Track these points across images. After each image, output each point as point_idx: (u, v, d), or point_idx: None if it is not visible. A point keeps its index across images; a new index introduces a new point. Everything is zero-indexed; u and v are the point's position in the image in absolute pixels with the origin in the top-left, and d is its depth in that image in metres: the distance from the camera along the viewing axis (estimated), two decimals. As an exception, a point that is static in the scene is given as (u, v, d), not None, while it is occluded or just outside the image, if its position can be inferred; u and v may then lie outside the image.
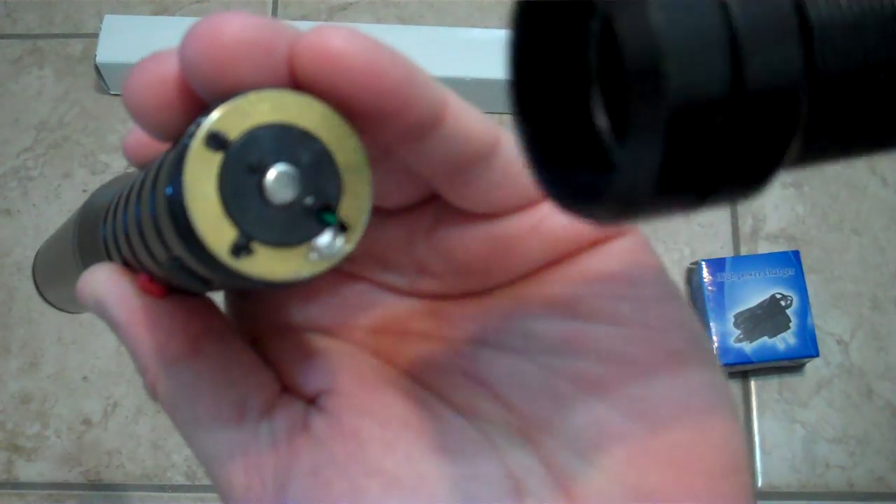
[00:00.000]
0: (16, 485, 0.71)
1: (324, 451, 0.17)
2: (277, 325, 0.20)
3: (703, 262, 0.69)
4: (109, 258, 0.20)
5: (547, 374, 0.17)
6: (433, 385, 0.19)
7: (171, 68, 0.14)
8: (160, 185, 0.14)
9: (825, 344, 0.70)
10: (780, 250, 0.71)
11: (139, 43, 0.78)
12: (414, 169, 0.16)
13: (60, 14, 0.86)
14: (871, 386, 0.71)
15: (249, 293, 0.20)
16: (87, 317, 0.75)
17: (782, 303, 0.68)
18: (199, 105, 0.14)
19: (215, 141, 0.13)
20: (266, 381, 0.18)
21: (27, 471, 0.71)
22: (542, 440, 0.17)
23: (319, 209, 0.14)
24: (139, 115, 0.15)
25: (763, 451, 0.69)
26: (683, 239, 0.75)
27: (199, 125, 0.13)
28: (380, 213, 0.18)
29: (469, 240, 0.18)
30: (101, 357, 0.74)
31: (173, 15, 0.84)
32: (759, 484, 0.68)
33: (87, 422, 0.72)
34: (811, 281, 0.70)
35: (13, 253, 0.77)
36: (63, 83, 0.83)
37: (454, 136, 0.15)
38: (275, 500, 0.17)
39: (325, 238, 0.14)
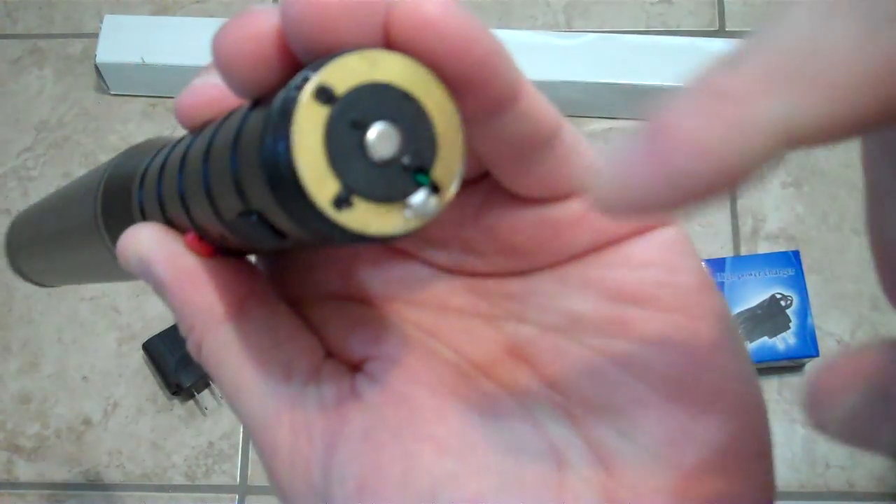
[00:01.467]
0: (16, 485, 0.71)
1: (375, 415, 0.17)
2: (316, 294, 0.20)
3: (703, 262, 0.69)
4: (145, 221, 0.20)
5: (589, 353, 0.18)
6: (474, 359, 0.19)
7: (268, 24, 0.15)
8: (250, 138, 0.14)
9: (825, 344, 0.70)
10: (780, 250, 0.71)
11: (139, 43, 0.78)
12: (478, 148, 0.16)
13: (60, 14, 0.86)
14: (871, 386, 0.71)
15: (291, 261, 0.21)
16: (87, 316, 0.75)
17: (782, 303, 0.68)
18: (291, 63, 0.15)
19: (324, 94, 0.14)
20: (311, 344, 0.19)
21: (27, 471, 0.71)
22: (582, 417, 0.17)
23: (415, 169, 0.14)
24: (229, 68, 0.15)
25: (763, 451, 0.69)
26: (683, 239, 0.75)
27: (306, 79, 0.14)
28: None
29: (518, 222, 0.18)
30: (101, 357, 0.74)
31: (173, 15, 0.84)
32: (759, 484, 0.68)
33: (87, 422, 0.72)
34: (811, 281, 0.70)
35: (13, 253, 0.77)
36: (63, 83, 0.83)
37: (526, 116, 0.16)
38: (323, 461, 0.17)
39: (419, 197, 0.14)
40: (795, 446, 0.69)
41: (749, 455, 0.17)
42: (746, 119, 0.10)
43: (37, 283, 0.32)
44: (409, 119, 0.14)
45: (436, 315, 0.19)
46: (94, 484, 0.70)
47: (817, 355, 0.67)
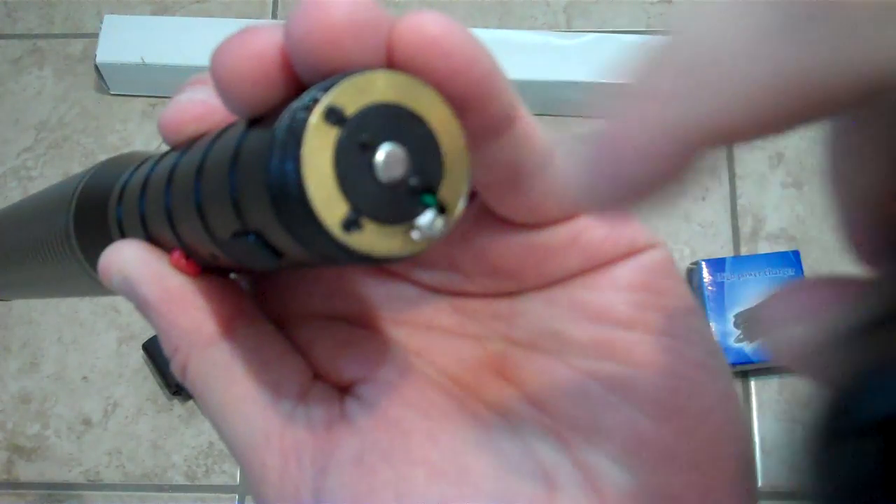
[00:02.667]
0: (16, 485, 0.71)
1: (366, 439, 0.17)
2: (302, 313, 0.20)
3: (704, 262, 0.69)
4: (124, 237, 0.19)
5: (577, 375, 0.18)
6: (462, 380, 0.19)
7: (271, 42, 0.14)
8: (252, 158, 0.14)
9: (825, 344, 0.70)
10: (780, 250, 0.71)
11: (139, 43, 0.78)
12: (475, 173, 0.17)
13: (60, 14, 0.85)
14: (871, 386, 0.71)
15: (276, 279, 0.20)
16: (87, 316, 0.75)
17: (782, 303, 0.68)
18: (292, 82, 0.15)
19: (333, 115, 0.14)
20: (299, 366, 0.18)
21: (27, 471, 0.71)
22: (571, 439, 0.17)
23: (423, 190, 0.14)
24: (230, 86, 0.15)
25: (763, 452, 0.69)
26: (683, 239, 0.75)
27: (316, 99, 0.14)
28: None
29: (507, 246, 0.18)
30: (101, 357, 0.74)
31: (173, 15, 0.84)
32: (760, 484, 0.68)
33: (87, 422, 0.72)
34: (811, 281, 0.70)
35: (13, 253, 0.77)
36: (63, 83, 0.83)
37: (522, 140, 0.16)
38: (314, 485, 0.17)
39: (426, 218, 0.14)
40: (796, 446, 0.69)
41: (737, 476, 0.17)
42: (667, 122, 0.11)
43: None
44: (416, 139, 0.14)
45: (422, 335, 0.19)
46: (94, 484, 0.70)
47: (817, 355, 0.67)
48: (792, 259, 0.69)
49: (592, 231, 0.18)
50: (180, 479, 0.70)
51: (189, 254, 0.18)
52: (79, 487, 0.70)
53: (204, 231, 0.16)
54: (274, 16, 0.84)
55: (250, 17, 0.83)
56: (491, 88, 0.15)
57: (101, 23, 0.79)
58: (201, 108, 0.18)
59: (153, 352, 0.71)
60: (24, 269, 0.26)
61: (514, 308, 0.19)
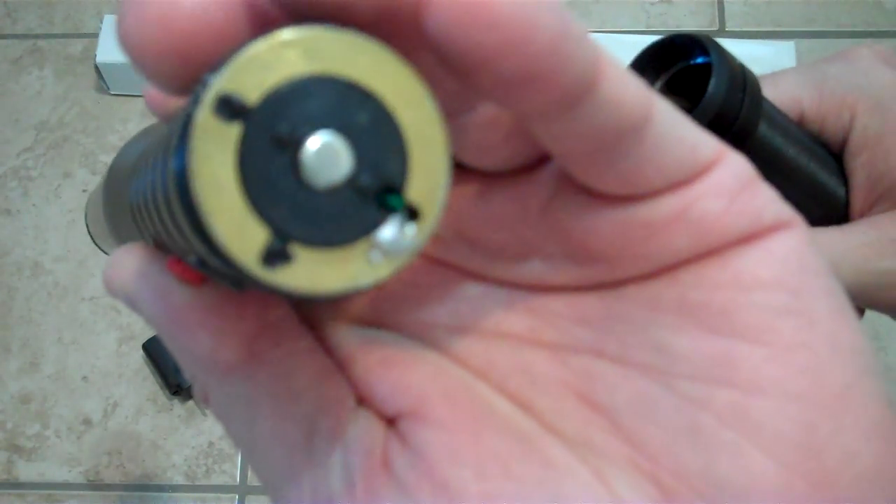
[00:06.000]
0: (16, 485, 0.71)
1: (408, 501, 0.14)
2: (342, 318, 0.16)
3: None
4: (139, 231, 0.16)
5: (685, 404, 0.14)
6: (535, 408, 0.15)
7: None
8: (169, 160, 0.11)
9: (825, 344, 0.70)
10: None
11: (139, 43, 0.78)
12: (545, 144, 0.13)
13: (60, 14, 0.86)
14: (871, 386, 0.71)
15: None
16: (87, 316, 0.75)
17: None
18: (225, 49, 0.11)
19: (228, 107, 0.10)
20: (339, 392, 0.15)
21: (27, 471, 0.71)
22: (674, 487, 0.14)
23: (379, 191, 0.11)
24: (140, 58, 0.11)
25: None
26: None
27: (205, 85, 0.10)
28: (474, 178, 0.15)
29: (596, 223, 0.14)
30: (101, 357, 0.74)
31: (173, 15, 0.84)
32: None
33: (87, 422, 0.72)
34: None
35: (13, 253, 0.77)
36: (63, 83, 0.83)
37: (607, 105, 0.12)
38: None
39: (389, 229, 0.11)
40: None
41: None
42: None
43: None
44: (362, 122, 0.11)
45: (487, 346, 0.16)
46: (94, 484, 0.70)
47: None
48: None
49: (705, 203, 0.14)
50: (180, 479, 0.70)
51: (183, 258, 0.14)
52: (79, 487, 0.70)
53: (176, 234, 0.13)
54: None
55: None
56: (561, 57, 0.11)
57: (101, 23, 0.79)
58: None
59: (153, 352, 0.71)
60: (110, 243, 0.23)
61: (606, 309, 0.15)
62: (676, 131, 0.13)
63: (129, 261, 0.15)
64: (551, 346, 0.15)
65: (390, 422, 0.15)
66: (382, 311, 0.16)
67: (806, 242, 0.14)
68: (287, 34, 0.10)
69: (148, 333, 0.73)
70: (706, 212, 0.14)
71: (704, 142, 0.13)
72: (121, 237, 0.19)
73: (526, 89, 0.11)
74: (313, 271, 0.10)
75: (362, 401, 0.15)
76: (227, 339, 0.14)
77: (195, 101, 0.10)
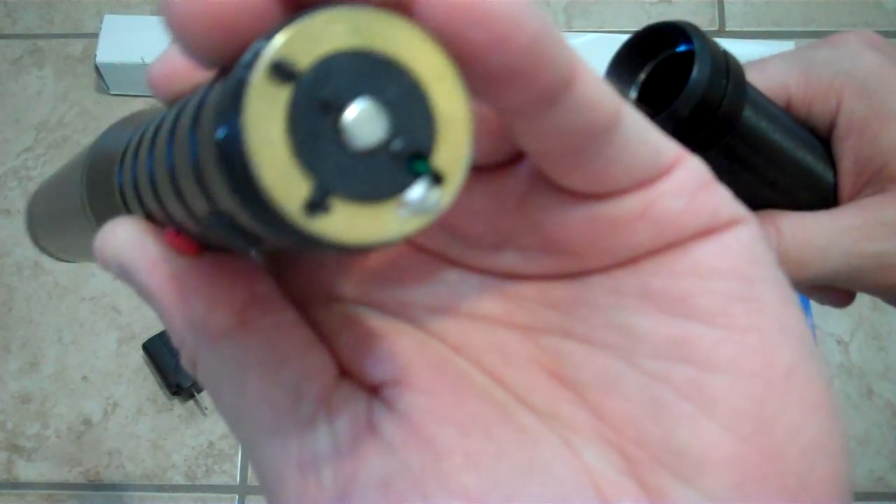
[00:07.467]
0: (16, 485, 0.71)
1: (395, 459, 0.15)
2: (327, 296, 0.17)
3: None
4: (128, 209, 0.17)
5: (646, 379, 0.15)
6: (509, 382, 0.16)
7: None
8: (205, 126, 0.12)
9: (825, 344, 0.70)
10: (781, 250, 0.71)
11: (139, 43, 0.78)
12: (521, 142, 0.14)
13: (60, 14, 0.86)
14: (870, 386, 0.71)
15: (298, 256, 0.18)
16: (87, 316, 0.75)
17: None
18: (265, 24, 0.12)
19: (281, 71, 0.11)
20: (323, 362, 0.16)
21: (27, 471, 0.71)
22: (636, 455, 0.15)
23: (409, 156, 0.12)
24: (184, 32, 0.12)
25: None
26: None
27: (258, 53, 0.11)
28: None
29: (567, 218, 0.15)
30: (101, 357, 0.74)
31: (173, 15, 0.84)
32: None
33: (87, 422, 0.72)
34: (811, 281, 0.70)
35: (13, 253, 0.77)
36: (63, 83, 0.83)
37: (581, 105, 0.13)
38: None
39: (417, 191, 0.12)
40: None
41: (830, 499, 0.15)
42: None
43: (61, 260, 0.29)
44: (397, 93, 0.12)
45: (464, 326, 0.17)
46: (94, 484, 0.70)
47: (817, 355, 0.67)
48: (792, 259, 0.69)
49: (666, 201, 0.15)
50: (180, 479, 0.70)
51: (181, 230, 0.15)
52: (79, 487, 0.70)
53: (181, 207, 0.14)
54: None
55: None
56: (541, 55, 0.12)
57: (101, 23, 0.79)
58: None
59: (153, 352, 0.71)
60: (66, 235, 0.24)
61: (575, 295, 0.16)
62: (642, 135, 0.14)
63: (123, 231, 0.16)
64: (523, 327, 0.16)
65: (373, 390, 0.16)
66: (365, 291, 0.17)
67: (758, 237, 0.16)
68: (335, 11, 0.11)
69: (148, 333, 0.73)
70: (668, 209, 0.15)
71: (666, 145, 0.15)
72: (101, 221, 0.19)
73: (509, 85, 0.12)
74: (348, 223, 0.11)
75: (344, 372, 0.16)
76: (220, 306, 0.16)
77: (248, 66, 0.11)
